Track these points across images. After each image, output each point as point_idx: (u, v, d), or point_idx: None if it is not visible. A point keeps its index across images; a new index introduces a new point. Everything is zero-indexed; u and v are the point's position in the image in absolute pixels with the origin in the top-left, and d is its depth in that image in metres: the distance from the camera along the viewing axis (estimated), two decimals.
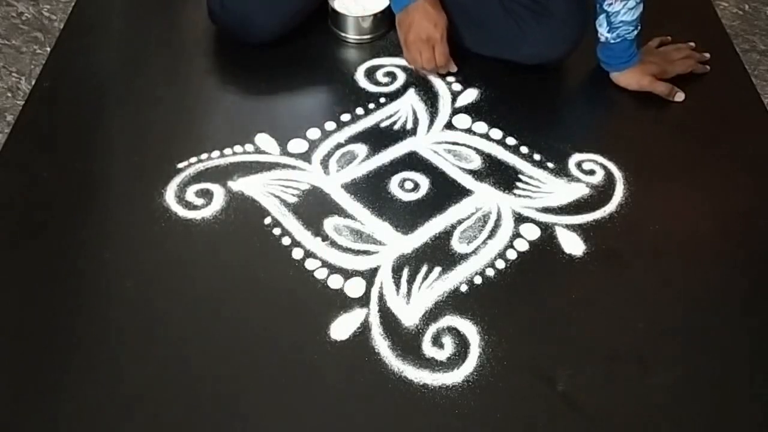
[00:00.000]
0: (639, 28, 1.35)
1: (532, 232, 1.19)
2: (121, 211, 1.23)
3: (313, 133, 1.32)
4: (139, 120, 1.36)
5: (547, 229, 1.20)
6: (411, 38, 1.37)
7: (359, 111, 1.37)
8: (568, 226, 1.20)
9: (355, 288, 1.11)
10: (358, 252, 1.16)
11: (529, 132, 1.33)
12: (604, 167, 1.29)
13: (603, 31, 1.36)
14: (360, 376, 1.03)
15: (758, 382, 1.04)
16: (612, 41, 1.36)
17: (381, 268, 1.14)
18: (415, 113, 1.37)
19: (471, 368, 1.03)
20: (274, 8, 1.42)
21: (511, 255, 1.16)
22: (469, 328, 1.07)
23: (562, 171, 1.28)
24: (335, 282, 1.12)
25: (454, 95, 1.40)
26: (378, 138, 1.33)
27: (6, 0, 1.71)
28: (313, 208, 1.21)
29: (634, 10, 1.32)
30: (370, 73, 1.44)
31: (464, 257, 1.16)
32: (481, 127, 1.35)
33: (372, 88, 1.41)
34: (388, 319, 1.08)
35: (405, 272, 1.13)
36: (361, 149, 1.31)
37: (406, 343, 1.06)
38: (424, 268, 1.14)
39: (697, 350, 1.07)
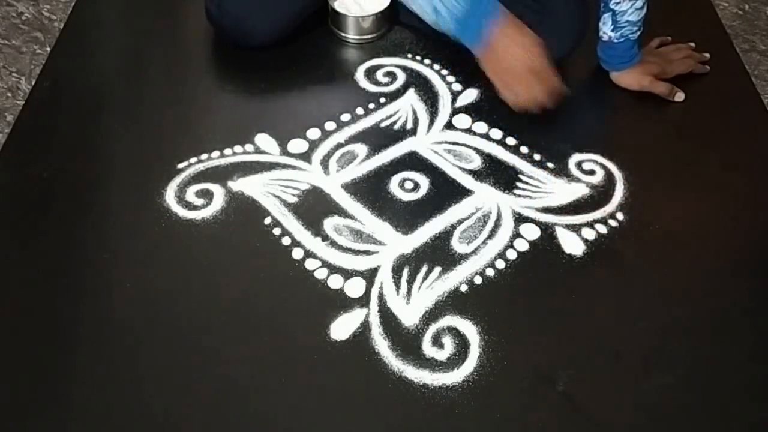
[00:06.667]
0: (642, 29, 1.35)
1: (532, 232, 1.19)
2: (121, 211, 1.23)
3: (313, 133, 1.32)
4: (139, 120, 1.36)
5: (547, 229, 1.20)
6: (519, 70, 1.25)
7: (359, 111, 1.37)
8: (568, 226, 1.20)
9: (355, 288, 1.11)
10: (358, 252, 1.16)
11: (529, 132, 1.33)
12: (604, 167, 1.29)
13: (606, 30, 1.36)
14: (360, 376, 1.03)
15: (759, 382, 1.04)
16: (615, 41, 1.36)
17: (381, 268, 1.14)
18: (415, 113, 1.37)
19: (471, 368, 1.03)
20: (273, 11, 1.42)
21: (511, 255, 1.16)
22: (469, 328, 1.07)
23: (562, 171, 1.28)
24: (335, 282, 1.12)
25: (454, 95, 1.40)
26: (378, 138, 1.33)
27: (6, 0, 1.71)
28: (313, 208, 1.21)
29: (641, 11, 1.32)
30: (370, 73, 1.44)
31: (464, 257, 1.16)
32: (481, 127, 1.35)
33: (372, 88, 1.41)
34: (388, 319, 1.08)
35: (405, 272, 1.13)
36: (361, 149, 1.31)
37: (406, 343, 1.06)
38: (424, 268, 1.14)
39: (698, 350, 1.07)
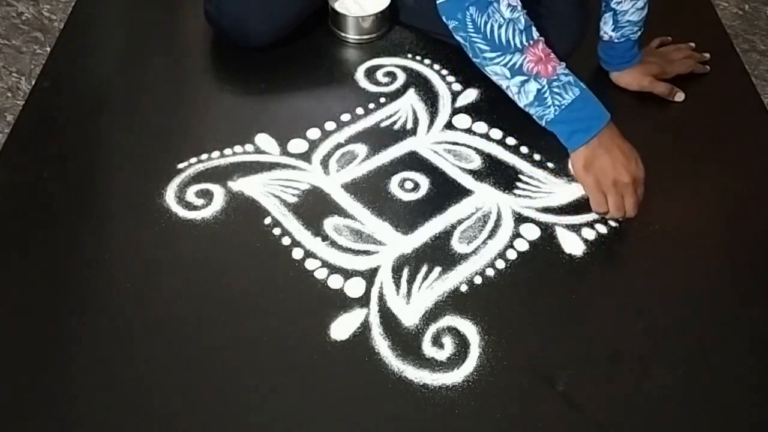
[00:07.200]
0: (643, 29, 1.35)
1: (532, 232, 1.19)
2: (121, 211, 1.23)
3: (313, 133, 1.33)
4: (139, 120, 1.36)
5: (547, 229, 1.20)
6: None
7: (359, 111, 1.37)
8: (568, 226, 1.20)
9: (355, 288, 1.11)
10: (358, 252, 1.16)
11: (529, 132, 1.33)
12: None
13: (607, 30, 1.36)
14: (360, 376, 1.03)
15: (758, 382, 1.04)
16: (616, 40, 1.36)
17: (381, 268, 1.14)
18: (415, 113, 1.37)
19: (471, 368, 1.03)
20: (272, 11, 1.41)
21: (511, 255, 1.16)
22: (469, 328, 1.07)
23: (562, 171, 1.28)
24: (335, 282, 1.12)
25: (454, 95, 1.40)
26: (378, 138, 1.33)
27: (6, 0, 1.71)
28: (313, 208, 1.21)
29: (642, 11, 1.32)
30: (370, 73, 1.44)
31: (464, 257, 1.16)
32: (481, 127, 1.35)
33: (372, 88, 1.41)
34: (388, 319, 1.08)
35: (405, 272, 1.13)
36: (361, 149, 1.31)
37: (406, 343, 1.06)
38: (424, 268, 1.14)
39: (697, 350, 1.07)
